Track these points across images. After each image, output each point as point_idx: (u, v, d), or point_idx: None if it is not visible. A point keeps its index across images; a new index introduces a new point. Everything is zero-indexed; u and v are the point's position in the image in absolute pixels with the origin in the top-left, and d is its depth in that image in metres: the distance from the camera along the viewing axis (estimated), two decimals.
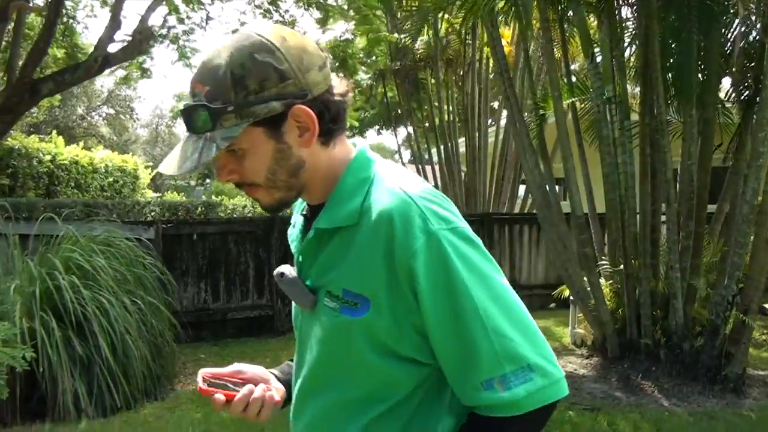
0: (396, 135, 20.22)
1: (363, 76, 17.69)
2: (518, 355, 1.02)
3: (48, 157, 13.23)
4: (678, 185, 5.35)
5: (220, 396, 1.15)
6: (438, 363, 1.08)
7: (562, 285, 8.59)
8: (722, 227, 5.61)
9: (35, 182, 12.62)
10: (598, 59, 5.65)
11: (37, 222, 5.70)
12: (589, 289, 5.72)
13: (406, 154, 22.02)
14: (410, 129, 13.49)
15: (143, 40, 11.48)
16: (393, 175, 1.11)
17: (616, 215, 5.56)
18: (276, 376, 1.31)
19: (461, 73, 11.20)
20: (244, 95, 1.03)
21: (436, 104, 11.94)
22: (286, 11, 16.04)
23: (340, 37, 15.93)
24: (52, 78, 11.19)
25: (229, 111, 1.03)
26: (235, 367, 1.27)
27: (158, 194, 21.50)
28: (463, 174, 11.78)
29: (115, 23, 10.89)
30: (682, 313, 5.23)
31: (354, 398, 1.13)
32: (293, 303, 1.24)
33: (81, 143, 17.77)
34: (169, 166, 1.08)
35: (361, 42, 15.09)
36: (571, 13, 5.62)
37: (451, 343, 1.04)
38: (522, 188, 11.46)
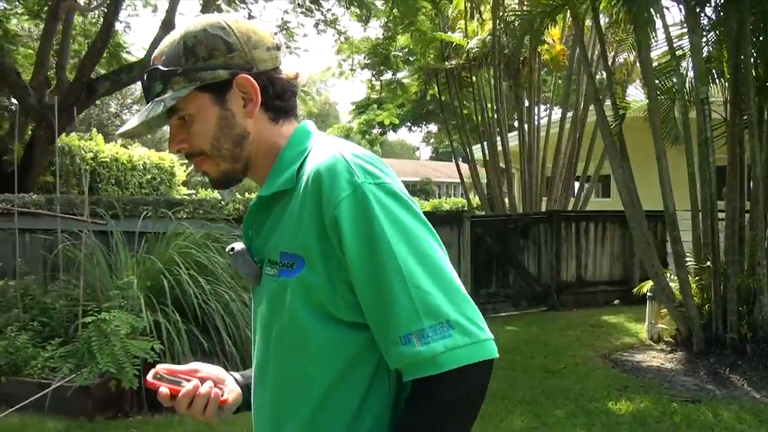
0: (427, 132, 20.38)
1: (404, 73, 17.85)
2: (437, 310, 0.99)
3: (90, 155, 13.51)
4: (762, 184, 5.49)
5: (164, 389, 1.15)
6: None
7: (626, 281, 8.79)
8: None
9: (78, 179, 12.89)
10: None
11: (139, 219, 5.97)
12: (677, 285, 5.88)
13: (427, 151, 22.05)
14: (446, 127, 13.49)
15: None
16: (330, 142, 1.15)
17: (704, 213, 5.71)
18: (236, 378, 1.29)
19: (516, 72, 11.32)
20: (193, 61, 1.12)
21: (490, 104, 12.06)
22: (329, 10, 16.27)
23: (383, 35, 16.13)
24: (108, 78, 11.49)
25: (178, 74, 1.12)
26: (193, 365, 1.26)
27: (192, 191, 21.78)
28: (515, 171, 11.93)
29: (169, 24, 11.09)
30: None
31: (300, 373, 1.10)
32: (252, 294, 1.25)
33: (118, 141, 18.12)
34: (124, 126, 1.17)
35: (403, 40, 15.24)
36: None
37: (373, 296, 1.02)
38: (576, 185, 11.61)
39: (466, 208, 11.08)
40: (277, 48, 1.19)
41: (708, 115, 5.41)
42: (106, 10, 11.70)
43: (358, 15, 15.12)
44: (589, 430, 4.38)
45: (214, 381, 1.24)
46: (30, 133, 11.26)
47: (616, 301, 9.00)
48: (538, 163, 11.20)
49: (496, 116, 11.72)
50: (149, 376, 1.19)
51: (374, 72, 16.37)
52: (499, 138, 11.53)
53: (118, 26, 14.53)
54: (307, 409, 1.10)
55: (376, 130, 23.23)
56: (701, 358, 5.77)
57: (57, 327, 5.43)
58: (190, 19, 1.19)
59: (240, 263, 1.18)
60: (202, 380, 1.21)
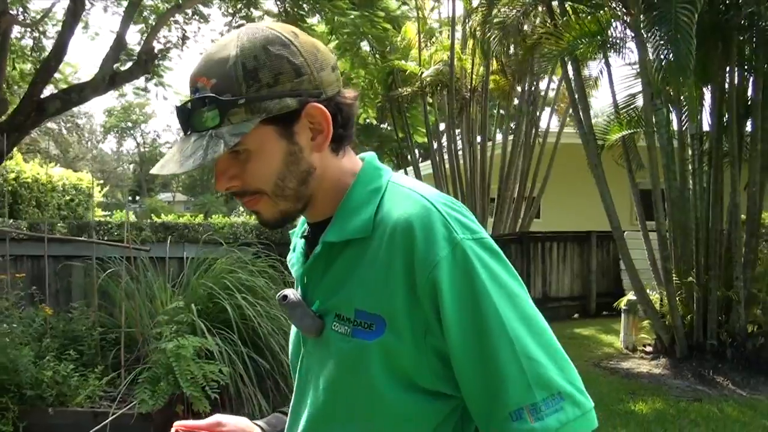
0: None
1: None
2: (550, 382, 0.92)
3: (12, 175, 13.00)
4: (745, 209, 6.32)
5: None
6: (461, 395, 0.97)
7: (584, 297, 9.58)
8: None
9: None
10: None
11: (167, 244, 6.04)
12: (663, 299, 6.61)
13: None
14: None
15: (149, 60, 11.64)
16: (408, 184, 1.03)
17: (687, 234, 6.47)
18: (261, 428, 1.21)
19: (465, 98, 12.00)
20: (256, 89, 0.94)
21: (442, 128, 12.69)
22: None
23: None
24: (59, 97, 11.16)
25: (240, 104, 0.93)
26: (215, 418, 1.17)
27: (107, 213, 21.17)
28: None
29: (120, 43, 10.97)
30: (745, 317, 6.20)
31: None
32: (292, 338, 1.16)
33: (36, 159, 17.43)
34: (166, 165, 0.97)
35: (341, 64, 15.63)
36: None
37: (476, 365, 0.92)
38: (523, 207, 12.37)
39: None
40: (337, 65, 1.04)
41: (696, 147, 6.20)
42: (55, 26, 11.40)
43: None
44: (629, 427, 4.93)
45: None
46: None
47: (576, 315, 9.79)
48: (484, 186, 11.89)
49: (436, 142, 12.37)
50: None
51: None
52: (446, 159, 12.19)
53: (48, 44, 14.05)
54: None
55: None
56: (684, 363, 6.49)
57: (93, 355, 5.40)
58: (234, 32, 0.99)
59: (298, 315, 1.04)
60: None
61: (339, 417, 1.02)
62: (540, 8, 6.84)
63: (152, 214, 20.04)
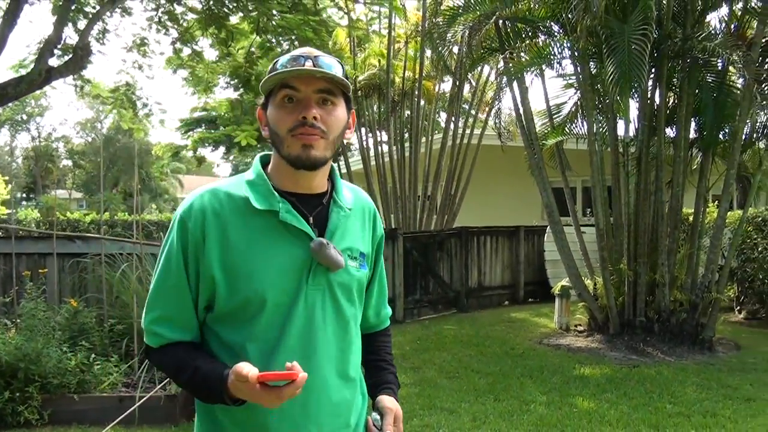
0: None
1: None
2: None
3: None
4: (668, 205, 7.44)
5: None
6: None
7: (513, 286, 10.60)
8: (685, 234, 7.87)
9: None
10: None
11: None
12: (597, 284, 7.64)
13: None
14: None
15: (84, 55, 11.67)
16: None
17: (619, 227, 7.53)
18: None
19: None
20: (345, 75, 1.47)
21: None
22: (187, 29, 16.32)
23: (245, 59, 16.63)
24: None
25: (346, 76, 1.47)
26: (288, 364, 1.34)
27: (11, 210, 20.44)
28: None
29: (57, 37, 10.98)
30: (669, 296, 7.33)
31: (356, 336, 1.58)
32: (281, 285, 1.43)
33: None
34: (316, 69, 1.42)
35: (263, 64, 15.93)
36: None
37: (381, 283, 1.72)
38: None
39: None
40: None
41: (626, 152, 7.25)
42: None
43: (217, 38, 15.47)
44: (588, 388, 5.84)
45: None
46: None
47: (506, 302, 10.81)
48: (413, 183, 12.64)
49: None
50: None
51: (239, 93, 16.85)
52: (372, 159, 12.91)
53: None
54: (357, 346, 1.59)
55: (222, 150, 23.44)
56: (618, 338, 7.55)
57: (106, 345, 5.70)
58: (327, 54, 1.49)
59: (333, 253, 1.45)
60: None
61: (351, 322, 1.53)
62: (486, 27, 7.65)
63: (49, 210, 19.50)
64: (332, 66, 1.43)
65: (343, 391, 1.51)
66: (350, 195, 1.58)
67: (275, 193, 1.46)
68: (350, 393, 1.54)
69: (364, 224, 1.59)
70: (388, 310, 1.78)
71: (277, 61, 1.45)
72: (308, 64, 1.41)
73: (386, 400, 1.59)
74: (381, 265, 1.71)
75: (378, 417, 1.55)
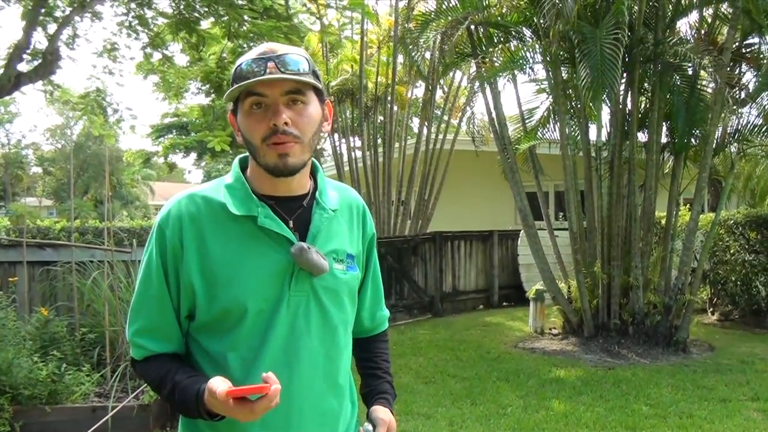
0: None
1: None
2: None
3: None
4: (641, 208, 7.52)
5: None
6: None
7: (487, 290, 10.64)
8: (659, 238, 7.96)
9: None
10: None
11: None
12: (571, 287, 7.69)
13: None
14: None
15: (53, 61, 11.52)
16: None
17: (592, 230, 7.59)
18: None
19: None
20: (314, 71, 1.41)
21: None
22: (158, 34, 16.20)
23: (216, 64, 16.56)
24: None
25: (314, 72, 1.41)
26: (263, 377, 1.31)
27: None
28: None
29: (26, 42, 10.82)
30: (643, 299, 7.40)
31: (346, 342, 1.53)
32: (261, 293, 1.38)
33: None
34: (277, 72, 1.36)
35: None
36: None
37: (376, 284, 1.67)
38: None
39: None
40: None
41: (598, 158, 7.33)
42: None
43: (189, 43, 15.37)
44: (564, 391, 5.87)
45: None
46: None
47: (481, 307, 10.85)
48: (386, 187, 12.64)
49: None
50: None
51: (211, 99, 16.75)
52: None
53: None
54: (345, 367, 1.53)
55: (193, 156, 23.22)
56: (592, 341, 7.61)
57: (78, 355, 5.59)
58: (290, 47, 1.43)
59: (315, 258, 1.38)
60: None
61: (340, 328, 1.48)
62: (459, 31, 7.68)
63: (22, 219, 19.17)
64: (298, 62, 1.38)
65: (329, 399, 1.47)
66: (335, 194, 1.53)
67: (254, 197, 1.42)
68: (338, 401, 1.50)
69: (352, 224, 1.54)
70: (385, 312, 1.73)
71: (240, 64, 1.39)
72: (271, 65, 1.36)
73: (380, 411, 1.57)
74: (374, 265, 1.65)
75: (370, 428, 1.52)
